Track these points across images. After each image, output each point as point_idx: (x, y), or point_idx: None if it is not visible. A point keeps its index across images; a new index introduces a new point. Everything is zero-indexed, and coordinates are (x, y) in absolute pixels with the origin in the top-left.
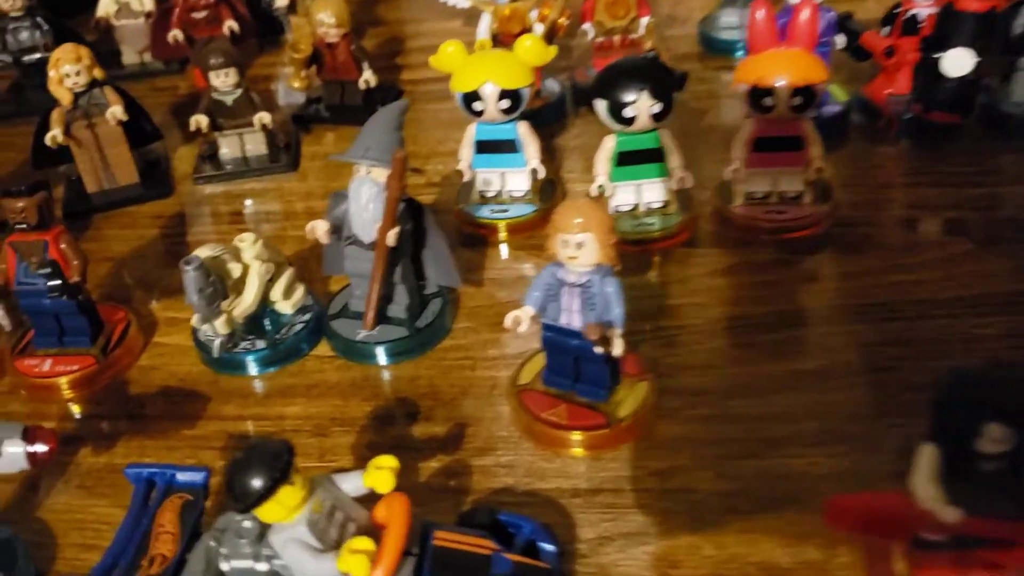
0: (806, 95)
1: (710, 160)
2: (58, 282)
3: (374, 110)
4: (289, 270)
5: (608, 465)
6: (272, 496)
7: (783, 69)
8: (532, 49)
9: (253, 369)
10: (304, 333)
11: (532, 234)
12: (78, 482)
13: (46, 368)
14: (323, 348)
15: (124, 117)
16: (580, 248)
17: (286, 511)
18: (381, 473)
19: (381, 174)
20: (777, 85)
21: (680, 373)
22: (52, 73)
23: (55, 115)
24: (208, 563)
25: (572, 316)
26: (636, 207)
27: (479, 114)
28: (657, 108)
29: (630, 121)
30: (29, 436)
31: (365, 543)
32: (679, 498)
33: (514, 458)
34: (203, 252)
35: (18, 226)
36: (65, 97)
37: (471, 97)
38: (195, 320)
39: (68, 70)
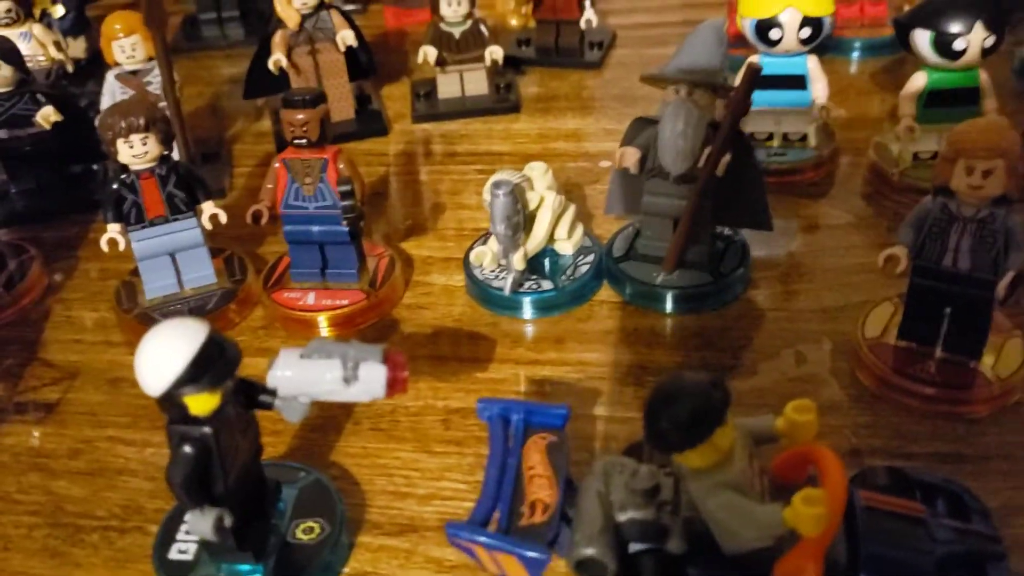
0: None
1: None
2: (353, 202)
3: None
4: (572, 207)
5: (988, 429)
6: (709, 437)
7: None
8: None
9: (532, 312)
10: (588, 276)
11: (816, 179)
12: (370, 424)
13: (309, 301)
14: (605, 293)
15: (355, 43)
16: (987, 176)
17: (718, 454)
18: (805, 421)
19: (704, 96)
20: None
21: None
22: None
23: (278, 38)
24: (604, 514)
25: (960, 256)
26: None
27: (774, 43)
28: (991, 41)
29: (957, 55)
30: (389, 361)
31: (821, 497)
32: None
33: (874, 419)
34: (506, 177)
35: (296, 141)
36: (292, 19)
37: (767, 24)
38: (473, 256)
39: None
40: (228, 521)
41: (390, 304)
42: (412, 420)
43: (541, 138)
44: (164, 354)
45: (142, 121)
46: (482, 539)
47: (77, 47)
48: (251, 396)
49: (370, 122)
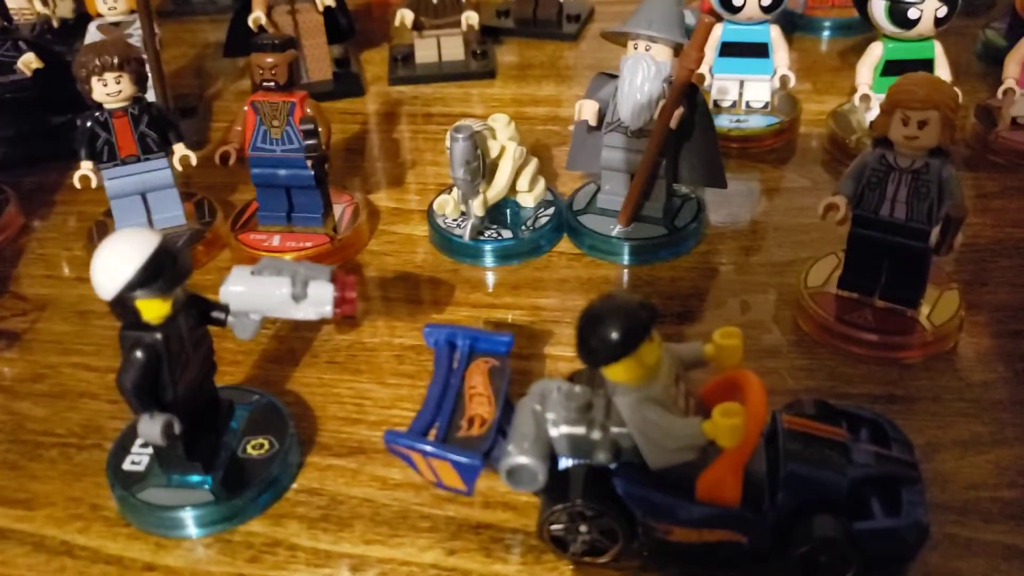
0: None
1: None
2: (316, 142)
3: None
4: (534, 160)
5: (920, 373)
6: (634, 351)
7: None
8: None
9: (491, 260)
10: (548, 228)
11: (776, 146)
12: (327, 358)
13: (275, 243)
14: (564, 245)
15: (332, 3)
16: (923, 128)
17: (644, 370)
18: (730, 346)
19: (662, 52)
20: None
21: (976, 289)
22: None
23: None
24: (538, 427)
25: (897, 206)
26: None
27: (737, 10)
28: (943, 11)
29: (912, 24)
30: (337, 281)
31: (738, 410)
32: (1012, 410)
33: (811, 362)
34: (467, 123)
35: (265, 84)
36: None
37: None
38: (436, 205)
39: None
40: (177, 428)
41: (354, 250)
42: (368, 355)
43: (515, 103)
44: (118, 258)
45: (116, 60)
46: (418, 446)
47: (64, 7)
48: (204, 312)
49: (348, 83)
